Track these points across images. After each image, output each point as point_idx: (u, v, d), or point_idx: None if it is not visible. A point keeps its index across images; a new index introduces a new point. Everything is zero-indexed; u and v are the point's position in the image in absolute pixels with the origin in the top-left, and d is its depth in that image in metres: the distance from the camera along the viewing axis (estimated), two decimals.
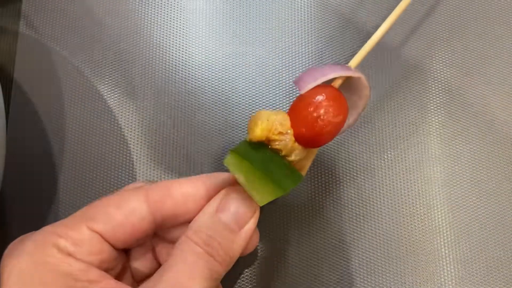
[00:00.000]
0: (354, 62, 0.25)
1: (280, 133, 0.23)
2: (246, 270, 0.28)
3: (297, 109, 0.23)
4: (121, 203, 0.20)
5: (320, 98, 0.23)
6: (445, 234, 0.28)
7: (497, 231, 0.28)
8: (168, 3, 0.33)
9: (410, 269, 0.27)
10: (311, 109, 0.22)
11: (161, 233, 0.23)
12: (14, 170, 0.29)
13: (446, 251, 0.28)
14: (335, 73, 0.23)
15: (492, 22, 0.32)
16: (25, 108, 0.31)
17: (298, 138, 0.23)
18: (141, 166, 0.29)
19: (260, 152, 0.22)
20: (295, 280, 0.27)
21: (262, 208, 0.23)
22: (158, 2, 0.33)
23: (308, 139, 0.23)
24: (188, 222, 0.22)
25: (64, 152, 0.30)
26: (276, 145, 0.23)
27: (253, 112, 0.30)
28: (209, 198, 0.22)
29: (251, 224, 0.22)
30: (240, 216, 0.21)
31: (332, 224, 0.28)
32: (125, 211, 0.20)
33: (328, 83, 0.24)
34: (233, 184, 0.22)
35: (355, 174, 0.29)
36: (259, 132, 0.22)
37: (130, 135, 0.30)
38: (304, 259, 0.28)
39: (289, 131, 0.23)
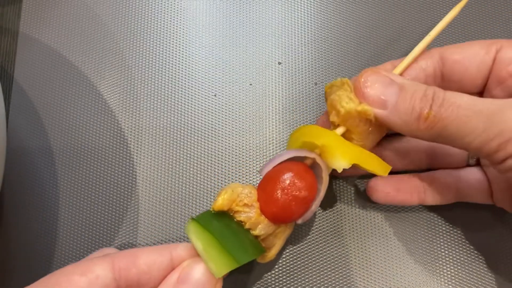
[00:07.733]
0: (399, 69, 0.25)
1: (245, 205, 0.23)
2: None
3: (264, 183, 0.24)
4: (85, 270, 0.20)
5: (287, 173, 0.23)
6: (445, 234, 0.28)
7: (497, 231, 0.28)
8: (168, 4, 0.33)
9: (410, 269, 0.27)
10: (277, 182, 0.23)
11: None
12: (14, 170, 0.29)
13: (446, 251, 0.28)
14: (289, 154, 0.24)
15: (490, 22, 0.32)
16: (25, 108, 0.31)
17: (264, 212, 0.23)
18: (140, 165, 0.29)
19: (222, 223, 0.22)
20: (296, 279, 0.27)
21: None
22: (158, 2, 0.33)
23: (273, 213, 0.23)
24: None
25: (64, 152, 0.30)
26: (240, 217, 0.23)
27: (251, 115, 0.30)
28: (174, 267, 0.22)
29: None
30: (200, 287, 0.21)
31: (332, 224, 0.28)
32: (88, 278, 0.20)
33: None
34: (197, 254, 0.22)
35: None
36: (220, 201, 0.22)
37: (130, 135, 0.30)
38: (303, 259, 0.28)
39: (254, 204, 0.23)
